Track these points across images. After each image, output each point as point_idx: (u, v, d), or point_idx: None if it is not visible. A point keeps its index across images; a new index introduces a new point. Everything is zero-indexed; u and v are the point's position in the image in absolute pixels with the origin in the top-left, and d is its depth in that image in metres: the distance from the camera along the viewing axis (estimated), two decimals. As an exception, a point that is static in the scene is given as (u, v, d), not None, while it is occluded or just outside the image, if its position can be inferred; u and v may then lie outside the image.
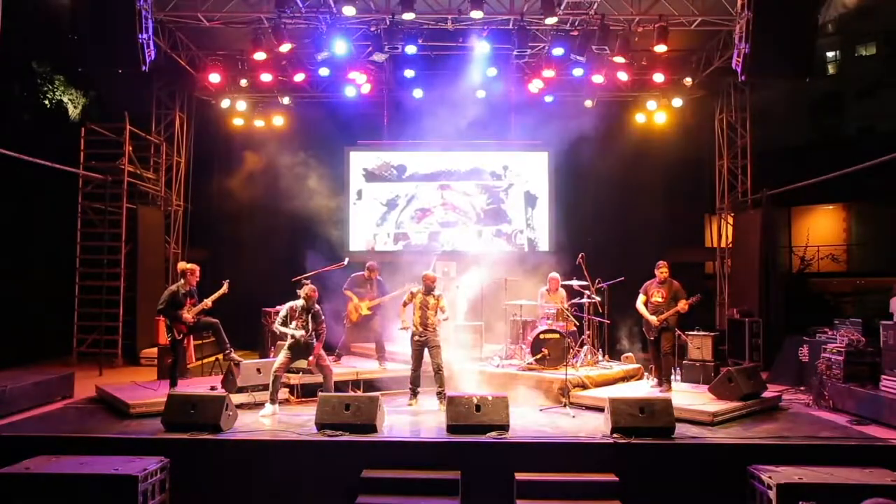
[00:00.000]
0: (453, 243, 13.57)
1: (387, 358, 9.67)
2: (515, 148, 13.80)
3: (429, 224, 14.02)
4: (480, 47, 10.83)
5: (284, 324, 7.71)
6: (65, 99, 13.18)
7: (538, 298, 9.87)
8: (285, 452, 6.46)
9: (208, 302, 8.34)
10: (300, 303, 7.74)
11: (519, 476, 6.02)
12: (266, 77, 11.53)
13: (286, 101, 13.19)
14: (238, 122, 13.58)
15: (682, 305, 8.20)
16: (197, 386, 8.43)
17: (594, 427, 7.00)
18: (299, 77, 11.86)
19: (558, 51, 10.64)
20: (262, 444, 6.52)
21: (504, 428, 6.61)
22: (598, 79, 11.57)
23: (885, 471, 5.79)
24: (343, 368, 9.28)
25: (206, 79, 12.00)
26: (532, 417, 7.56)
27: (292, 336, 7.64)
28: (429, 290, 8.20)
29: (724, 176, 13.69)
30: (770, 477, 5.59)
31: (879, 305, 10.92)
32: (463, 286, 11.24)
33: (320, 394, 7.10)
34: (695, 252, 14.67)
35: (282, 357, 7.66)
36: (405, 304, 8.30)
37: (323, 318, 7.86)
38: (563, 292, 9.80)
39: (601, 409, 7.04)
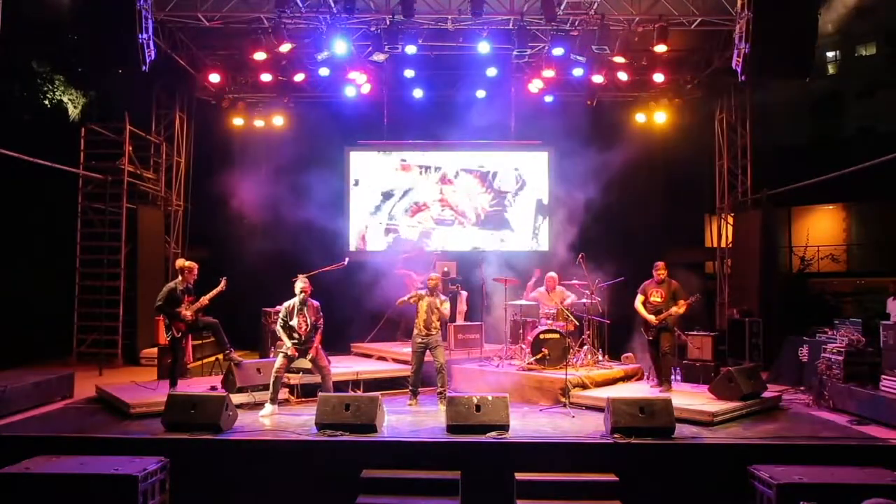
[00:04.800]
0: (445, 244, 13.44)
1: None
2: (515, 148, 13.80)
3: (422, 220, 13.81)
4: (480, 47, 10.83)
5: (285, 325, 7.71)
6: (65, 99, 13.18)
7: (527, 295, 9.91)
8: (285, 452, 6.46)
9: (205, 299, 8.32)
10: (296, 299, 7.75)
11: (519, 476, 6.02)
12: (266, 77, 11.52)
13: (286, 101, 13.18)
14: (238, 122, 13.58)
15: (680, 306, 8.20)
16: (197, 386, 8.42)
17: (594, 427, 7.00)
18: (299, 77, 11.85)
19: (558, 51, 10.63)
20: (262, 444, 6.52)
21: (504, 428, 6.61)
22: (598, 79, 11.57)
23: (885, 471, 5.79)
24: (343, 368, 9.28)
25: (206, 79, 11.99)
26: (532, 417, 7.57)
27: (285, 350, 7.65)
28: (433, 291, 8.21)
29: (724, 176, 13.69)
30: (770, 477, 5.59)
31: (879, 305, 10.94)
32: (463, 285, 11.27)
33: (320, 394, 7.10)
34: (695, 252, 14.68)
35: (281, 358, 7.67)
36: (404, 304, 8.28)
37: (321, 313, 7.86)
38: (561, 291, 9.79)
39: (601, 409, 7.05)
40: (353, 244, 13.71)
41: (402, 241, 13.44)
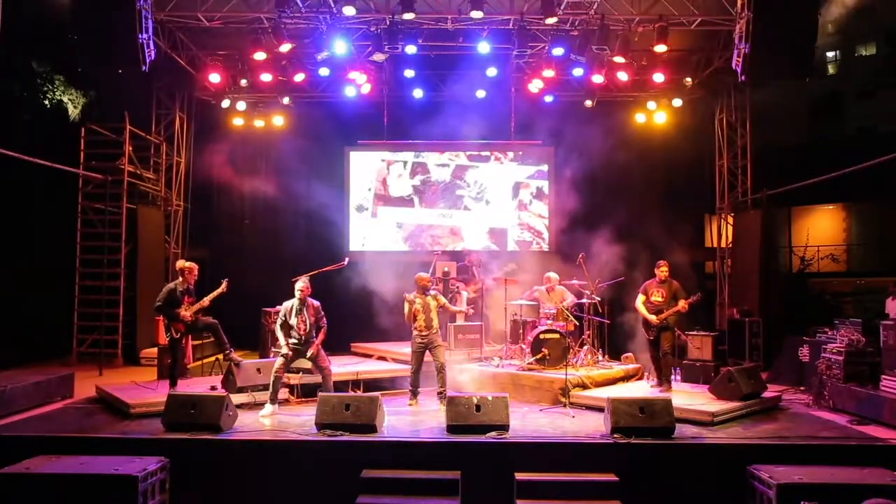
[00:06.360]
0: (446, 244, 13.42)
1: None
2: (515, 148, 13.82)
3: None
4: (480, 47, 10.83)
5: (283, 324, 7.71)
6: (65, 99, 13.17)
7: (527, 296, 9.93)
8: (285, 452, 6.46)
9: (206, 301, 8.31)
10: (295, 300, 7.75)
11: (519, 476, 6.02)
12: (266, 77, 11.52)
13: (286, 101, 13.19)
14: (238, 122, 13.58)
15: (682, 305, 8.19)
16: (197, 386, 8.42)
17: (594, 427, 7.00)
18: (299, 77, 11.84)
19: (558, 51, 10.64)
20: (262, 444, 6.52)
21: (504, 428, 6.60)
22: (598, 79, 11.57)
23: (885, 471, 5.78)
24: (343, 368, 9.28)
25: (206, 79, 11.99)
26: (532, 417, 7.56)
27: (282, 350, 7.64)
28: (425, 291, 8.21)
29: (724, 176, 13.69)
30: (770, 477, 5.59)
31: (879, 305, 10.93)
32: (463, 286, 11.25)
33: (320, 394, 7.10)
34: (695, 252, 14.66)
35: (280, 359, 7.66)
36: (410, 317, 8.18)
37: (323, 313, 7.85)
38: (560, 290, 9.79)
39: (601, 409, 7.05)
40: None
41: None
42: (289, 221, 13.54)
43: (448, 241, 13.60)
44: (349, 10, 9.91)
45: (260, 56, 10.62)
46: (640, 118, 13.58)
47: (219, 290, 8.40)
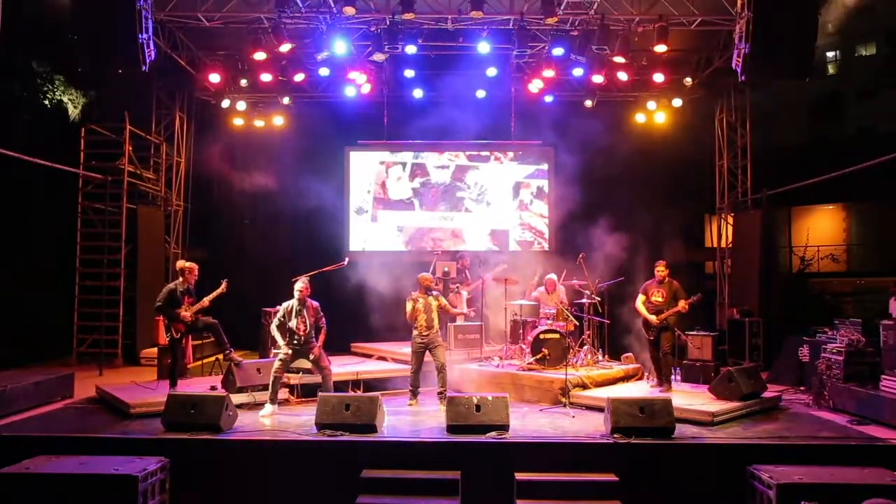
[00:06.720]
0: (447, 243, 13.43)
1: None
2: (515, 148, 13.81)
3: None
4: (480, 47, 10.84)
5: (281, 325, 7.70)
6: (65, 99, 13.17)
7: (529, 295, 9.92)
8: (285, 452, 6.46)
9: (206, 301, 8.32)
10: (294, 301, 7.74)
11: (519, 476, 6.02)
12: (266, 77, 11.51)
13: (286, 101, 13.19)
14: (238, 122, 13.57)
15: (682, 305, 8.20)
16: (197, 386, 8.42)
17: (594, 427, 7.00)
18: (299, 77, 11.83)
19: (558, 51, 10.64)
20: (262, 444, 6.52)
21: (504, 428, 6.61)
22: (598, 79, 11.56)
23: (885, 471, 5.79)
24: (343, 368, 9.28)
25: (206, 79, 11.98)
26: (532, 417, 7.56)
27: (283, 354, 7.63)
28: (427, 291, 8.22)
29: (724, 176, 13.69)
30: (770, 477, 5.59)
31: (879, 305, 10.93)
32: (463, 286, 11.26)
33: (320, 394, 7.10)
34: (695, 252, 14.67)
35: (278, 360, 7.65)
36: (413, 316, 8.17)
37: (322, 313, 7.85)
38: (561, 291, 9.79)
39: (601, 409, 7.05)
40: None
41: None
42: (289, 221, 13.54)
43: (450, 243, 13.55)
44: (349, 10, 9.90)
45: (260, 56, 10.61)
46: (640, 118, 13.57)
47: (219, 291, 8.40)
